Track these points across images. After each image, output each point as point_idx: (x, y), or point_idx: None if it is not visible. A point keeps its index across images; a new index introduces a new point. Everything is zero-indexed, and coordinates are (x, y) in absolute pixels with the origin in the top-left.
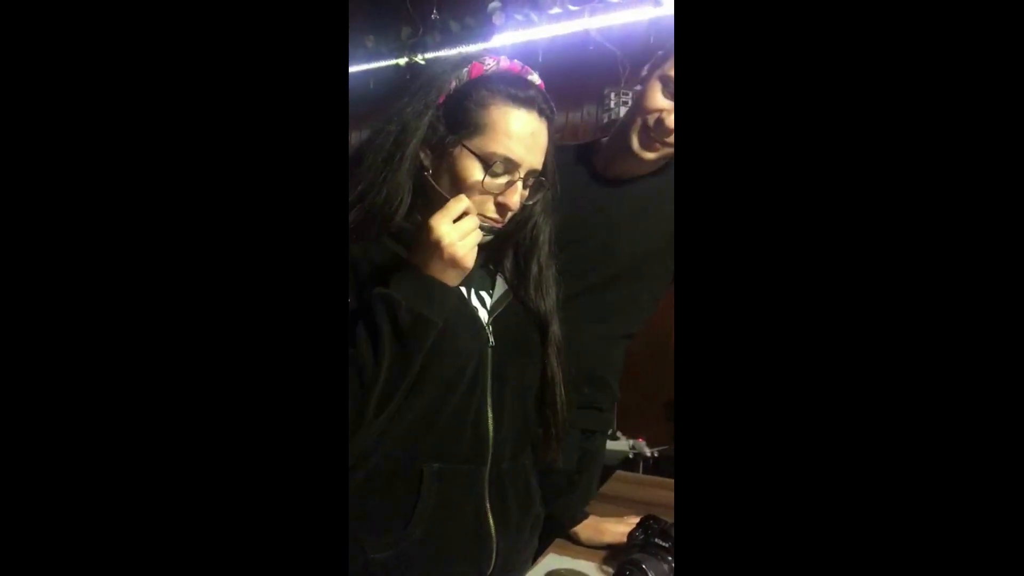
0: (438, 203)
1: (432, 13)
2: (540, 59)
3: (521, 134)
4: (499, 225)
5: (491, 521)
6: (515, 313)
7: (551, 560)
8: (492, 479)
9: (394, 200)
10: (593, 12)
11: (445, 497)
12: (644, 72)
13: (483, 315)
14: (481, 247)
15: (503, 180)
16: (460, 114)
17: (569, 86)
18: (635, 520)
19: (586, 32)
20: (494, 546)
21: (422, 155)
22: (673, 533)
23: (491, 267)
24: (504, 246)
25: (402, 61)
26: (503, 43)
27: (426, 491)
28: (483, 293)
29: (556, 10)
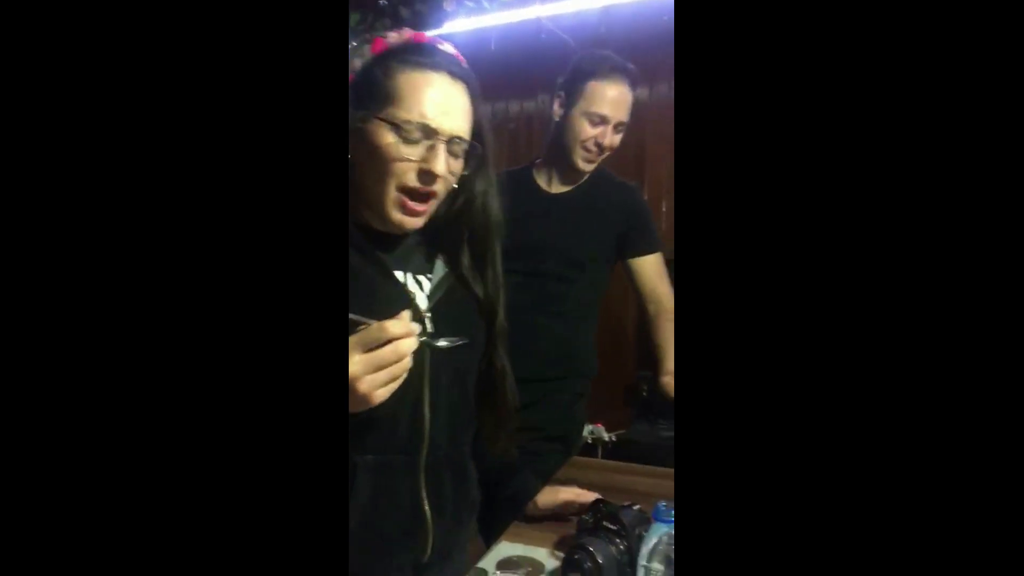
0: (362, 192)
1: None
2: (492, 47)
3: (434, 98)
4: (433, 198)
5: (427, 508)
6: (456, 298)
7: (504, 548)
8: (428, 467)
9: None
10: (545, 0)
11: (380, 488)
12: (556, 107)
13: (421, 301)
14: (425, 227)
15: (422, 146)
16: (367, 89)
17: (522, 75)
18: (588, 492)
19: (538, 20)
20: (430, 533)
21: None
22: (621, 516)
23: (431, 249)
24: (452, 228)
25: (352, 46)
26: (454, 30)
27: (360, 484)
28: (421, 277)
29: None
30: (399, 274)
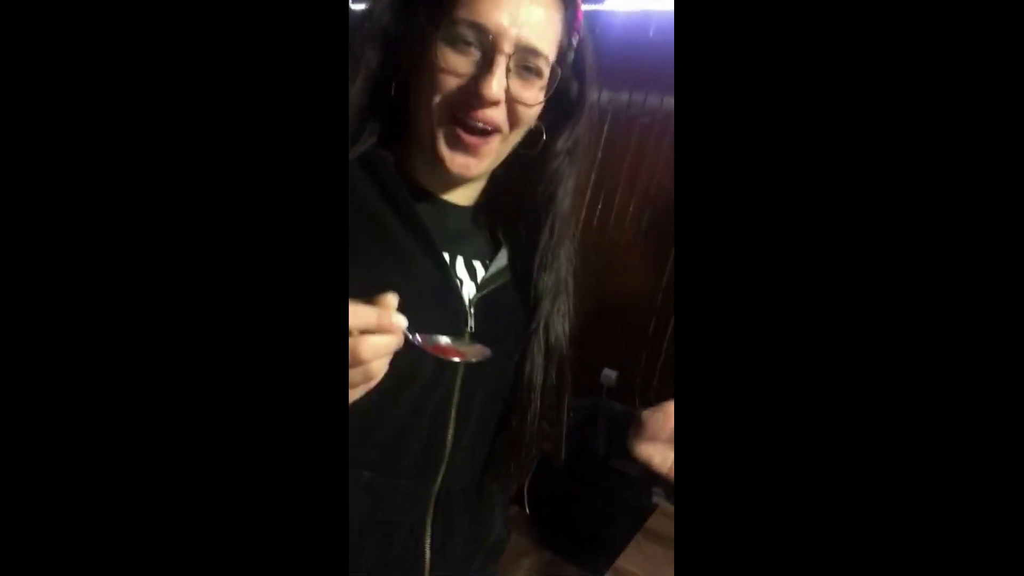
0: (412, 127)
1: None
2: (651, 33)
3: None
4: (496, 133)
5: (427, 547)
6: (511, 294)
7: None
8: (440, 498)
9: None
10: None
11: (374, 514)
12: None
13: (468, 290)
14: (488, 200)
15: (474, 57)
16: None
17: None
18: None
19: None
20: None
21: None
22: None
23: (499, 231)
24: (517, 201)
25: None
26: (615, 8)
27: (351, 502)
28: (476, 263)
29: None
30: (446, 255)
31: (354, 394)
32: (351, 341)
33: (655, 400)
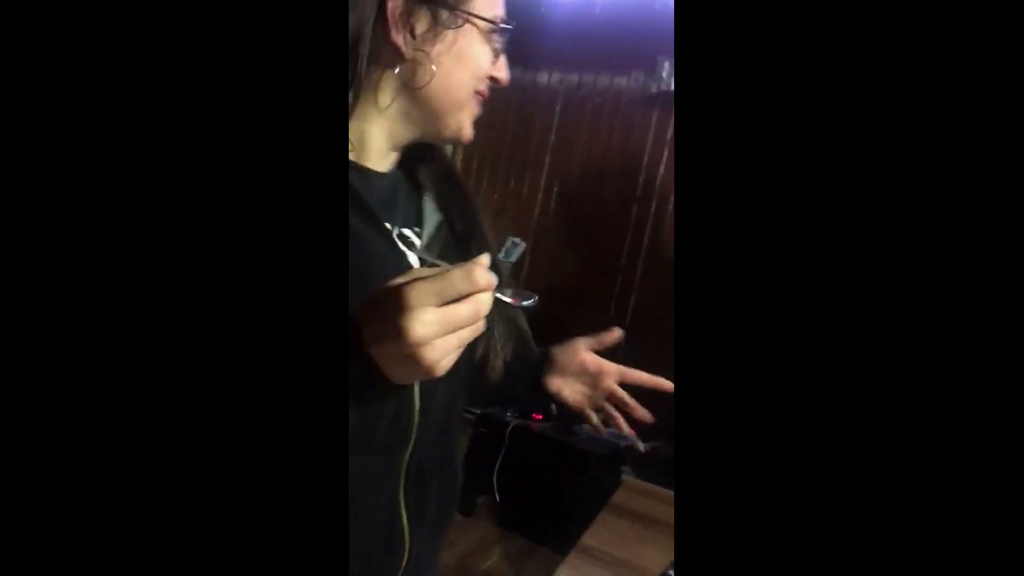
0: (434, 104)
1: None
2: (597, 10)
3: None
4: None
5: (404, 519)
6: (453, 253)
7: None
8: (409, 470)
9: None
10: None
11: (355, 492)
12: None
13: (412, 260)
14: (399, 163)
15: (493, 50)
16: None
17: (621, 47)
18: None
19: None
20: (406, 548)
21: (398, 40)
22: None
23: (416, 190)
24: (426, 162)
25: None
26: None
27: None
28: (407, 232)
29: None
30: (387, 226)
31: (451, 360)
32: (471, 301)
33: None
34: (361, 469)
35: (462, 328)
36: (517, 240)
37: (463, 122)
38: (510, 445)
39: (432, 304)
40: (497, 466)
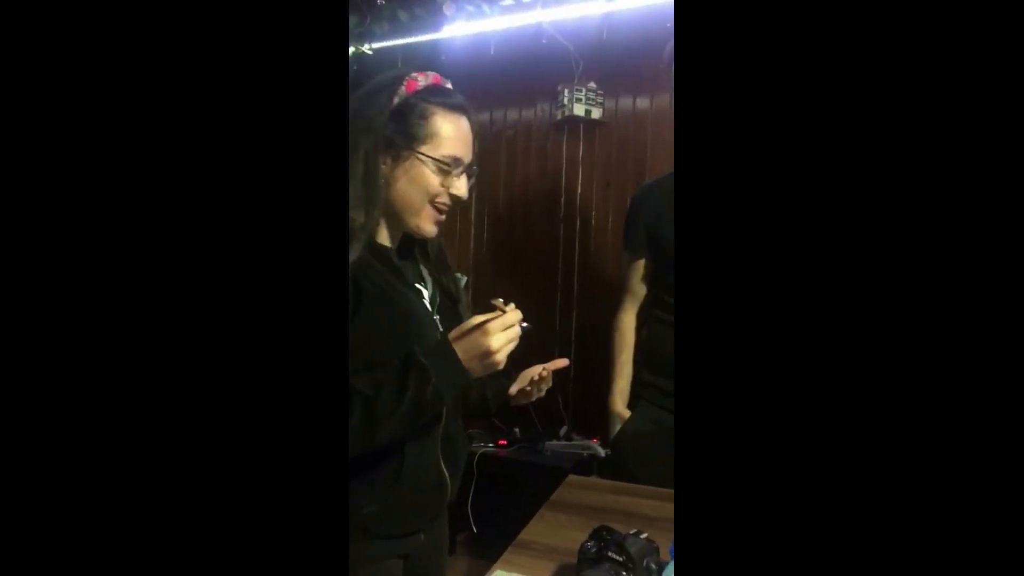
0: (400, 205)
1: (380, 1)
2: (492, 52)
3: (459, 135)
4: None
5: (443, 468)
6: (445, 302)
7: None
8: (443, 439)
9: (358, 214)
10: (546, 5)
11: (415, 457)
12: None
13: (426, 304)
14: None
15: (453, 176)
16: (407, 127)
17: (522, 81)
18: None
19: (539, 25)
20: (447, 487)
21: (384, 166)
22: (627, 545)
23: (414, 256)
24: (416, 240)
25: (349, 51)
26: (453, 34)
27: (408, 454)
28: (419, 286)
29: (508, 1)
30: (419, 287)
31: (514, 344)
32: (515, 328)
33: None
34: (420, 440)
35: (511, 342)
36: (459, 275)
37: (420, 223)
38: (479, 475)
39: (499, 331)
40: (470, 499)
